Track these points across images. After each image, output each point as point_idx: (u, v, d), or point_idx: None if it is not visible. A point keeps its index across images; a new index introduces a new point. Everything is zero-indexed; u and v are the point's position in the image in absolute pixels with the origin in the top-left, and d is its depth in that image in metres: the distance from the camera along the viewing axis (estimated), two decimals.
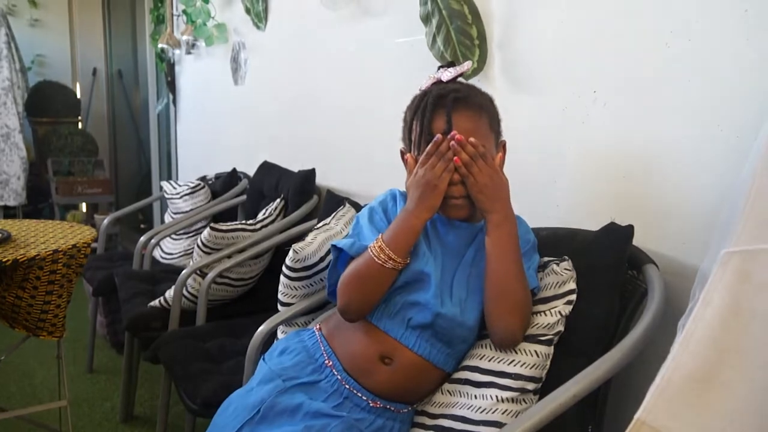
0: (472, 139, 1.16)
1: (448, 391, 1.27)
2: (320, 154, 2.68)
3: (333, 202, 2.12)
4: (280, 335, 1.70)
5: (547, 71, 1.60)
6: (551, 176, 1.61)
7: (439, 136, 1.17)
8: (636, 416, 0.93)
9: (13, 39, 5.16)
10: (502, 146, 1.33)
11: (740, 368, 0.89)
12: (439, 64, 1.69)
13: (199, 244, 2.30)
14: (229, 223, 2.37)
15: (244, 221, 2.44)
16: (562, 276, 1.25)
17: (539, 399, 1.20)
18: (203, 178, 3.38)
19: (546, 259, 1.34)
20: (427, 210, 1.20)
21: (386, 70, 2.23)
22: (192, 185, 3.16)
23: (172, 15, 4.05)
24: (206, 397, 1.68)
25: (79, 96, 6.21)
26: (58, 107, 5.84)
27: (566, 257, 1.28)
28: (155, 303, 2.30)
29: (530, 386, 1.20)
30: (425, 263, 1.25)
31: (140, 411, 2.64)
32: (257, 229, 2.39)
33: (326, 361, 1.28)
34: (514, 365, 1.21)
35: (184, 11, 3.72)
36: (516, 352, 1.21)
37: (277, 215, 2.48)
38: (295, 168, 2.64)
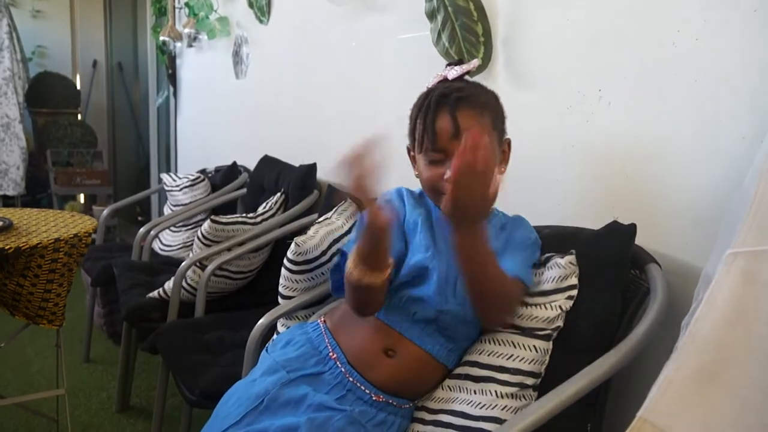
0: (483, 140, 1.03)
1: (447, 386, 1.27)
2: (321, 149, 2.68)
3: (334, 197, 2.12)
4: (280, 328, 1.70)
5: (552, 69, 1.60)
6: (554, 174, 1.61)
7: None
8: (638, 414, 0.94)
9: (15, 29, 5.16)
10: (507, 144, 1.34)
11: (744, 368, 0.89)
12: (445, 61, 1.70)
13: (200, 236, 2.30)
14: (229, 216, 2.37)
15: (244, 214, 2.44)
16: (565, 270, 1.25)
17: (538, 395, 1.21)
18: (203, 171, 3.38)
19: (549, 254, 1.34)
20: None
21: (389, 65, 2.23)
22: (192, 178, 3.16)
23: (174, 7, 4.04)
24: (204, 388, 1.68)
25: (79, 87, 6.19)
26: (58, 98, 5.84)
27: (572, 251, 1.28)
28: (154, 294, 2.30)
29: (529, 381, 1.20)
30: (428, 258, 1.26)
31: (136, 401, 2.65)
32: (257, 223, 2.39)
33: (330, 354, 1.28)
34: (513, 360, 1.21)
35: (186, 4, 3.72)
36: (515, 347, 1.22)
37: (278, 209, 2.48)
38: (295, 163, 2.64)
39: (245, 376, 1.38)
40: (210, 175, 3.32)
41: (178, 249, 2.98)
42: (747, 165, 1.04)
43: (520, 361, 1.20)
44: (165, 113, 4.92)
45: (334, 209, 1.86)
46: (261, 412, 1.20)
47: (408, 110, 1.32)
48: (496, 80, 1.74)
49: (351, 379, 1.24)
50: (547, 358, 1.22)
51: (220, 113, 3.78)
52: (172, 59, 4.37)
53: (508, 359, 1.21)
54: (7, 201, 5.17)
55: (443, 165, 1.24)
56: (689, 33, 1.27)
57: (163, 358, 2.00)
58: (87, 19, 6.29)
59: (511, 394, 1.19)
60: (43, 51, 6.04)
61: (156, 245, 3.04)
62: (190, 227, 3.01)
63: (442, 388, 1.28)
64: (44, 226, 1.94)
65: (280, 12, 3.00)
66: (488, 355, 1.24)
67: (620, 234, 1.26)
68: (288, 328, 1.58)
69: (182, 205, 3.11)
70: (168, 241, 3.05)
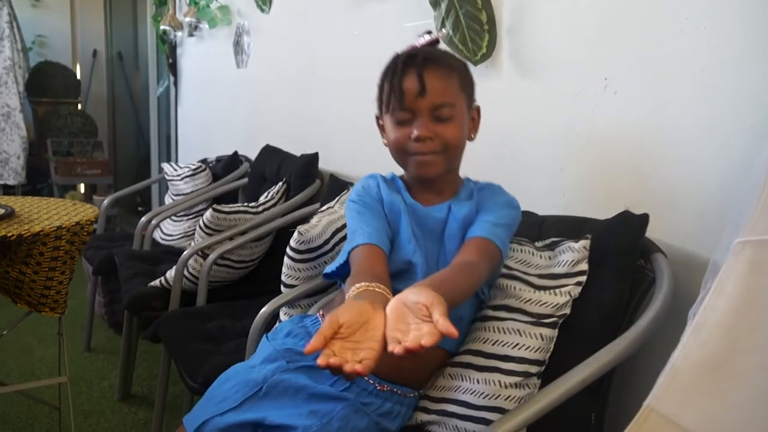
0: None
1: (449, 374, 1.27)
2: (323, 139, 2.67)
3: (336, 186, 2.11)
4: (282, 317, 1.70)
5: (557, 58, 1.59)
6: (558, 164, 1.60)
7: None
8: (645, 403, 0.93)
9: (15, 19, 5.14)
10: (476, 111, 1.33)
11: (752, 357, 0.89)
12: (450, 49, 1.69)
13: (201, 225, 2.29)
14: (231, 205, 2.37)
15: (246, 204, 2.43)
16: (578, 254, 1.25)
17: (542, 384, 1.20)
18: (204, 161, 3.37)
19: (561, 239, 1.33)
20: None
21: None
22: (193, 167, 3.15)
23: None
24: (207, 376, 1.67)
25: (79, 77, 6.18)
26: (58, 88, 5.82)
27: (588, 236, 1.28)
28: (156, 283, 2.29)
29: (534, 370, 1.20)
30: (411, 252, 1.25)
31: (137, 390, 2.65)
32: (259, 212, 2.39)
33: None
34: (519, 349, 1.21)
35: None
36: (520, 335, 1.21)
37: (279, 198, 2.47)
38: (297, 153, 2.63)
39: (248, 359, 1.37)
40: (211, 164, 3.31)
41: (180, 238, 2.98)
42: (755, 154, 1.03)
43: (526, 349, 1.20)
44: (165, 103, 4.91)
45: (336, 199, 1.86)
46: (260, 398, 1.20)
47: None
48: (501, 68, 1.73)
49: None
50: (552, 346, 1.21)
51: (221, 103, 3.77)
52: (172, 48, 4.35)
53: (513, 348, 1.21)
54: (8, 190, 5.17)
55: (410, 125, 1.24)
56: (697, 21, 1.26)
57: (165, 346, 2.00)
58: (87, 9, 6.26)
59: (516, 384, 1.19)
60: (43, 40, 6.02)
61: (157, 235, 3.04)
62: (191, 217, 3.00)
63: (444, 377, 1.27)
64: (46, 214, 1.93)
65: (282, 1, 2.98)
66: (493, 344, 1.23)
67: (632, 223, 1.25)
68: (290, 317, 1.57)
69: (183, 194, 3.10)
70: (169, 230, 3.05)
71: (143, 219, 2.88)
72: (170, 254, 2.71)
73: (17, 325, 2.15)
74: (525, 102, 1.69)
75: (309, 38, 2.77)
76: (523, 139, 1.71)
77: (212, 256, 2.16)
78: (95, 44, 6.34)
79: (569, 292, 1.22)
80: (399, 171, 1.38)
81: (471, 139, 1.32)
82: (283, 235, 2.28)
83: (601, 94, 1.47)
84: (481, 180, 1.38)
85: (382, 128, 1.35)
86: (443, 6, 1.81)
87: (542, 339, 1.20)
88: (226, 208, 2.31)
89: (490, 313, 1.28)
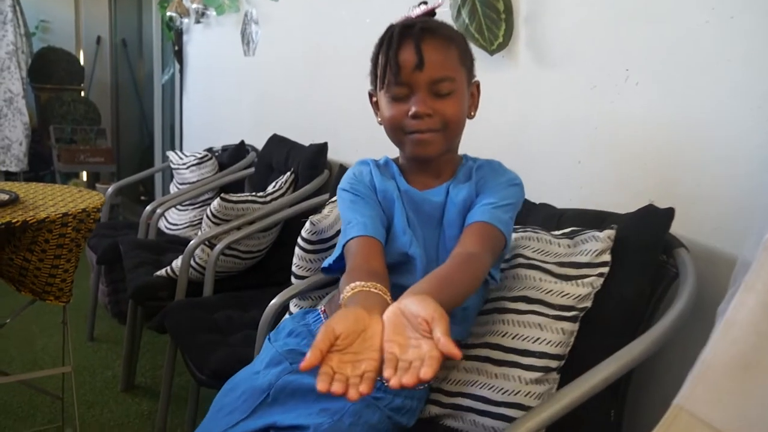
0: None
1: (464, 368, 1.24)
2: (332, 128, 2.64)
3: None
4: (293, 308, 1.67)
5: (576, 47, 1.56)
6: (576, 156, 1.57)
7: None
8: (674, 402, 0.91)
9: (19, 3, 5.12)
10: (475, 87, 1.26)
11: None
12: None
13: (209, 214, 2.27)
14: (239, 195, 2.34)
15: (254, 193, 2.41)
16: (602, 244, 1.22)
17: (560, 378, 1.18)
18: (210, 150, 3.34)
19: (583, 229, 1.30)
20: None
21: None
22: (199, 156, 3.12)
23: None
24: (215, 367, 1.65)
25: (82, 63, 6.14)
26: (62, 74, 5.79)
27: (614, 226, 1.24)
28: (162, 272, 2.27)
29: (554, 364, 1.17)
30: (408, 244, 1.21)
31: (141, 380, 2.63)
32: (267, 202, 2.36)
33: None
34: (539, 343, 1.18)
35: None
36: (541, 329, 1.18)
37: (287, 188, 2.44)
38: (305, 142, 2.60)
39: (251, 363, 1.34)
40: (217, 153, 3.28)
41: (185, 228, 2.95)
42: None
43: (547, 344, 1.17)
44: (170, 91, 4.87)
45: None
46: (270, 404, 1.17)
47: None
48: (517, 58, 1.70)
49: None
50: (572, 340, 1.19)
51: (228, 91, 3.74)
52: (178, 35, 4.32)
53: (533, 342, 1.18)
54: (10, 177, 5.14)
55: (407, 101, 1.17)
56: (724, 10, 1.23)
57: (172, 336, 1.97)
58: None
59: (536, 380, 1.16)
60: (46, 26, 5.99)
61: (162, 224, 3.01)
62: (197, 206, 2.97)
63: (458, 370, 1.24)
64: (51, 200, 1.90)
65: None
66: (512, 338, 1.20)
67: (657, 217, 1.23)
68: (297, 309, 1.55)
69: (189, 183, 3.07)
70: (174, 219, 3.02)
71: (148, 207, 2.85)
72: (175, 243, 2.68)
73: (21, 313, 2.12)
74: (542, 92, 1.66)
75: (318, 26, 2.74)
76: (539, 130, 1.67)
77: (219, 246, 2.13)
78: (99, 30, 6.30)
79: (591, 284, 1.19)
80: (392, 153, 1.33)
81: (471, 116, 1.25)
82: (291, 225, 2.25)
83: (622, 85, 1.44)
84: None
85: (375, 105, 1.27)
86: None
87: (563, 333, 1.17)
88: (234, 197, 2.29)
89: (509, 305, 1.25)
